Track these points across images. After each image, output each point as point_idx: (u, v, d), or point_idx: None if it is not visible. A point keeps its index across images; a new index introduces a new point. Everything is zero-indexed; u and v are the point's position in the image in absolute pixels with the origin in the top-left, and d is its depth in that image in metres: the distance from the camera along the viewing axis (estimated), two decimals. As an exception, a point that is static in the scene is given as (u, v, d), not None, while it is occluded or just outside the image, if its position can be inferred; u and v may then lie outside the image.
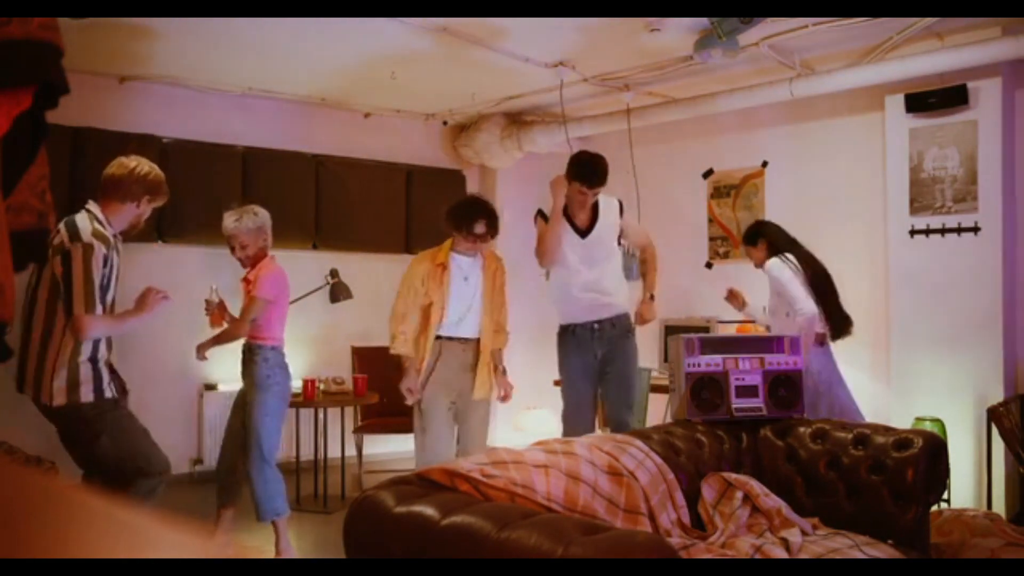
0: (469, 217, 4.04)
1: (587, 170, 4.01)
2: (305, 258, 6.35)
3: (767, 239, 4.46)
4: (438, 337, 4.09)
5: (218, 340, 4.11)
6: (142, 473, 3.20)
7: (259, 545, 4.24)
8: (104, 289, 3.04)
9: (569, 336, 4.16)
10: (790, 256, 4.33)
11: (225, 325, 4.16)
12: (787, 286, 4.23)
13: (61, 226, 3.02)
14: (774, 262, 4.31)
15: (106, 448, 3.09)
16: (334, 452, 5.83)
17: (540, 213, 4.23)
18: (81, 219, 3.05)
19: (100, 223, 3.07)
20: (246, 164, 6.19)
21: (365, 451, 6.19)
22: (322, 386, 5.49)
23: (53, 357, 3.00)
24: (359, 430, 5.94)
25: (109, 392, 3.12)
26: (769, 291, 4.43)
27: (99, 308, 3.02)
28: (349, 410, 5.93)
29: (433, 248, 4.21)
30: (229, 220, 4.15)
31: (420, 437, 4.16)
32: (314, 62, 5.41)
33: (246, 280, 4.17)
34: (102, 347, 3.12)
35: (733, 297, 4.78)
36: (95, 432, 3.07)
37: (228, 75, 5.73)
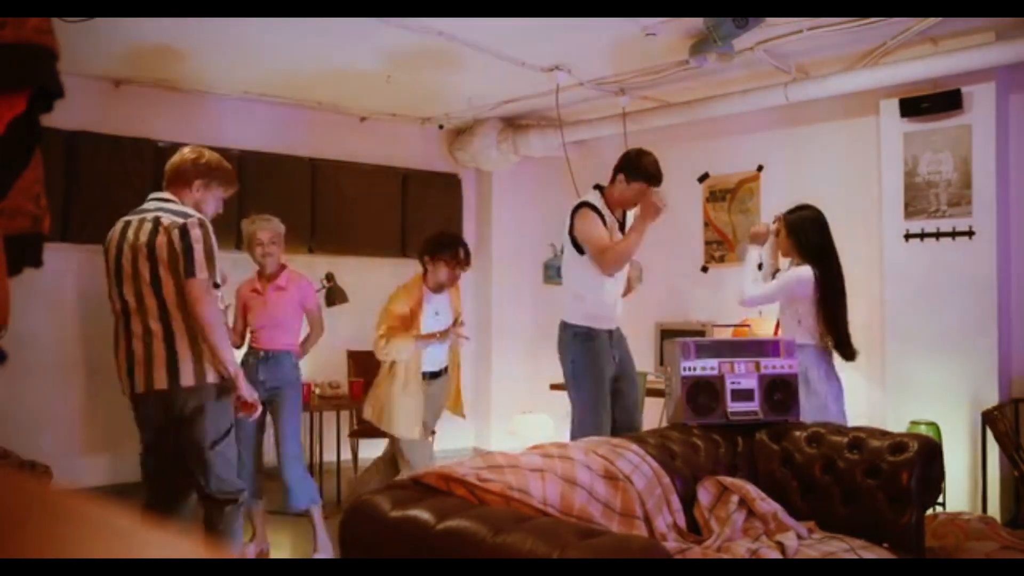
0: (451, 245, 4.34)
1: (655, 171, 3.96)
2: (301, 262, 6.33)
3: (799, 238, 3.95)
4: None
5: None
6: (203, 492, 3.16)
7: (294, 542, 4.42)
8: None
9: (593, 341, 4.00)
10: (815, 271, 3.87)
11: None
12: (783, 288, 3.88)
13: (157, 213, 3.07)
14: (805, 271, 3.85)
15: (199, 436, 3.06)
16: (330, 456, 5.82)
17: (590, 205, 3.96)
18: (175, 206, 3.13)
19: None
20: (242, 168, 6.16)
21: (361, 455, 6.18)
22: (318, 390, 5.49)
23: (180, 341, 3.01)
24: (355, 434, 5.93)
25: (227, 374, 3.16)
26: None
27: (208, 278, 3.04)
28: (345, 414, 5.92)
29: (406, 285, 4.42)
30: (259, 223, 4.26)
31: (403, 461, 4.36)
32: (310, 65, 5.40)
33: (278, 288, 4.28)
34: None
35: (757, 236, 4.13)
36: (211, 416, 3.06)
37: (224, 78, 5.73)
